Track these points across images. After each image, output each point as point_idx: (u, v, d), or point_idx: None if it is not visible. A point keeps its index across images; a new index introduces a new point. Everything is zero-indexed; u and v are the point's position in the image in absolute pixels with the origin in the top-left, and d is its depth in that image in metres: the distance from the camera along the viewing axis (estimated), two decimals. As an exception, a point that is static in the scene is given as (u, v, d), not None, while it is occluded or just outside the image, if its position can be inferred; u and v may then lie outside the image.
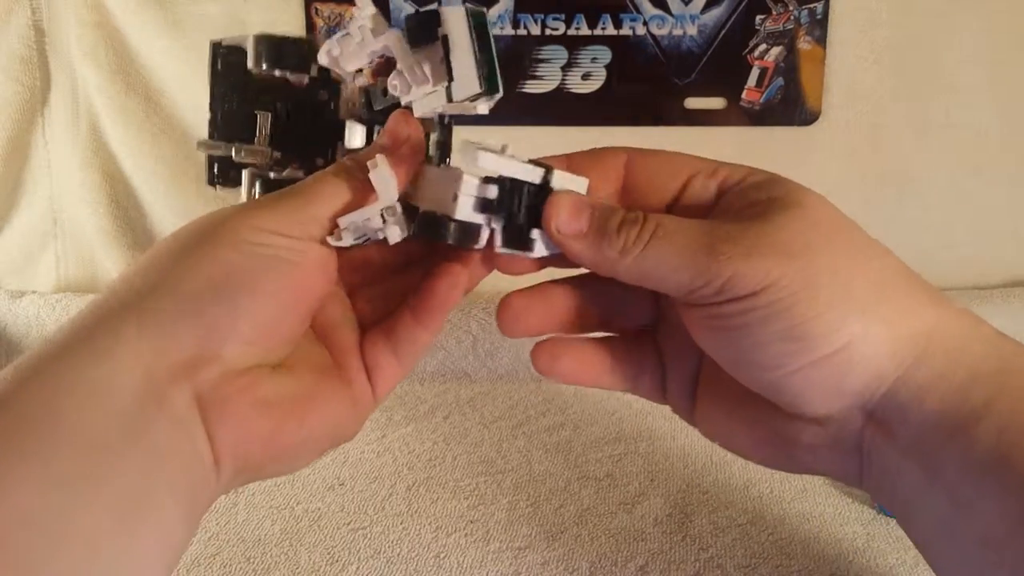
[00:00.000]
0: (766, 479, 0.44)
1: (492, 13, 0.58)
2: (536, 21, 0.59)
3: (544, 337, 0.32)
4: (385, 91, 0.28)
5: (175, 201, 0.62)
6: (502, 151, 0.27)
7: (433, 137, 0.29)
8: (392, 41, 0.26)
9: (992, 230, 0.63)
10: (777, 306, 0.24)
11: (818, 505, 0.42)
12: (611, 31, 0.59)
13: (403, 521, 0.41)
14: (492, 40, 0.26)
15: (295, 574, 0.37)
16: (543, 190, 0.27)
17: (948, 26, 0.59)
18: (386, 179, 0.26)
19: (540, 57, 0.59)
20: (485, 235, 0.27)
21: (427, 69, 0.26)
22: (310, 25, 0.59)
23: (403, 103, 0.28)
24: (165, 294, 0.24)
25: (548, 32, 0.59)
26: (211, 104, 0.38)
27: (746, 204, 0.27)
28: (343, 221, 0.27)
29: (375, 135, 0.36)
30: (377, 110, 0.34)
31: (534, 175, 0.27)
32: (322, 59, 0.27)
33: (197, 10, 0.59)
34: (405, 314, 0.29)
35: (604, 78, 0.60)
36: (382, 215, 0.27)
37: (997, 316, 0.59)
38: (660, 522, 0.41)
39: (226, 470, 0.25)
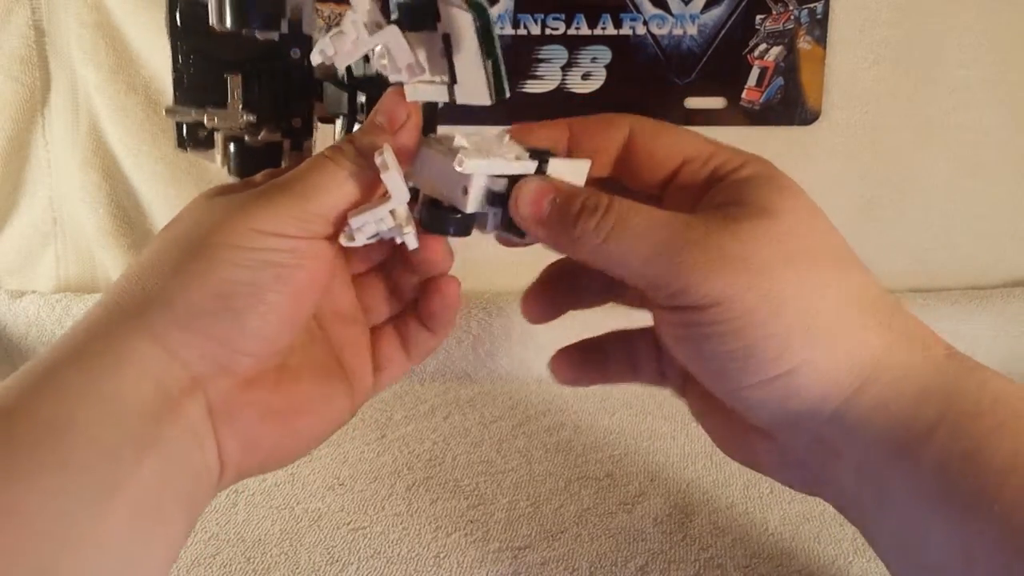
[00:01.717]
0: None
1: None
2: (536, 21, 0.59)
3: (558, 346, 0.33)
4: (367, 58, 0.27)
5: (175, 201, 0.62)
6: (500, 137, 0.27)
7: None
8: (390, 38, 0.25)
9: (992, 230, 0.63)
10: (726, 325, 0.24)
11: (818, 505, 0.42)
12: (611, 31, 0.59)
13: (403, 521, 0.41)
14: (497, 40, 0.25)
15: (295, 574, 0.37)
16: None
17: (948, 26, 0.59)
18: (398, 180, 0.26)
19: (540, 57, 0.59)
20: (490, 223, 0.27)
21: (423, 58, 0.25)
22: (310, 25, 0.59)
23: (391, 80, 0.27)
24: (170, 309, 0.24)
25: (548, 32, 0.59)
26: (174, 65, 0.35)
27: (726, 201, 0.26)
28: (355, 221, 0.26)
29: (356, 100, 0.33)
30: (357, 76, 0.33)
31: (526, 168, 0.27)
32: (315, 58, 0.26)
33: (197, 10, 0.59)
34: (411, 320, 0.30)
35: (604, 78, 0.60)
36: (393, 213, 0.26)
37: (997, 316, 0.60)
38: (660, 522, 0.41)
39: (228, 477, 0.26)
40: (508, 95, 0.26)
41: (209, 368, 0.24)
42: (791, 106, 0.60)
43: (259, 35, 0.33)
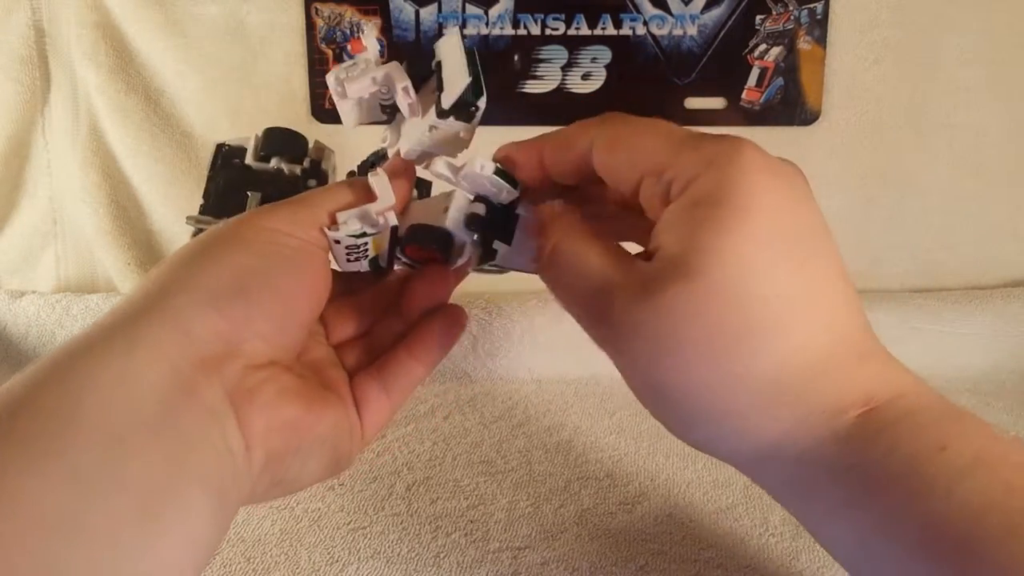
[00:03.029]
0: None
1: (492, 13, 0.58)
2: (536, 21, 0.59)
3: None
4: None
5: (175, 201, 0.62)
6: (480, 168, 0.28)
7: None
8: (392, 69, 0.28)
9: (992, 230, 0.63)
10: (633, 381, 0.26)
11: (818, 505, 0.42)
12: (611, 31, 0.59)
13: (403, 521, 0.41)
14: (478, 62, 0.28)
15: (295, 574, 0.37)
16: (511, 208, 0.29)
17: (948, 26, 0.59)
18: (385, 184, 0.29)
19: (540, 57, 0.59)
20: (469, 251, 0.30)
21: (417, 97, 0.29)
22: (310, 24, 0.59)
23: (390, 154, 0.30)
24: (184, 293, 0.24)
25: (548, 32, 0.59)
26: (205, 193, 0.40)
27: (659, 246, 0.24)
28: (341, 216, 0.28)
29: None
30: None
31: (499, 194, 0.29)
32: (330, 82, 0.29)
33: (197, 10, 0.59)
34: (398, 352, 0.30)
35: (604, 78, 0.60)
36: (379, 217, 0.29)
37: (997, 316, 0.60)
38: (660, 522, 0.41)
39: (257, 460, 0.25)
40: (484, 94, 0.28)
41: (224, 348, 0.24)
42: (791, 106, 0.60)
43: (285, 168, 0.39)
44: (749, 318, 0.22)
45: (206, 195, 0.41)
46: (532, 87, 0.60)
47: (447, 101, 0.27)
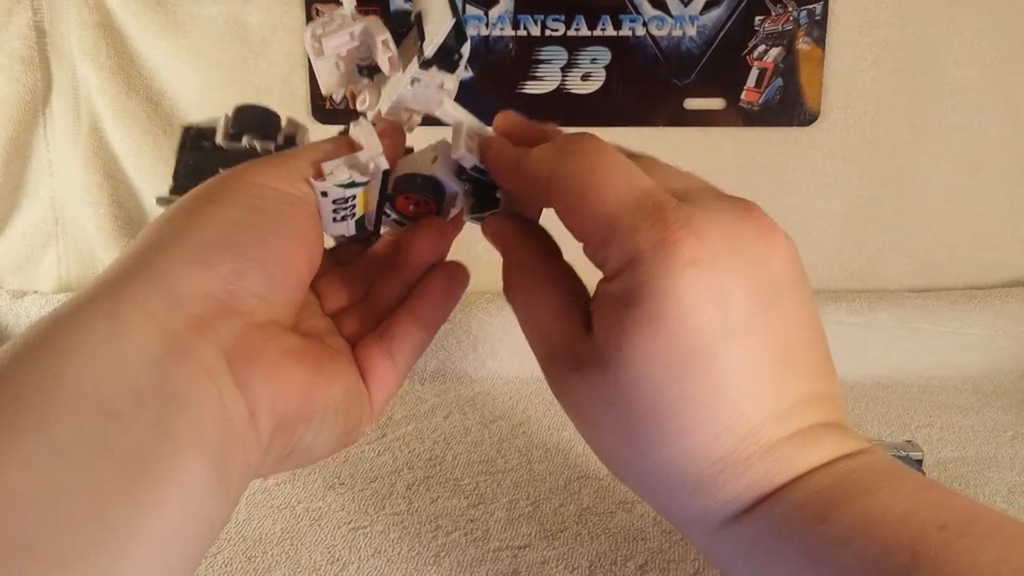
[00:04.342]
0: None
1: (492, 14, 0.58)
2: (536, 22, 0.59)
3: None
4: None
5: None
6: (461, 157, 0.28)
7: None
8: (371, 22, 0.27)
9: (991, 230, 0.63)
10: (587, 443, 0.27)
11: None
12: (611, 32, 0.59)
13: (403, 520, 0.41)
14: (459, 9, 0.27)
15: (295, 573, 0.37)
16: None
17: (948, 26, 0.59)
18: (369, 130, 0.27)
19: (540, 58, 0.59)
20: (461, 202, 0.29)
21: (397, 51, 0.27)
22: (311, 26, 0.59)
23: (370, 116, 0.29)
24: (169, 251, 0.23)
25: (548, 33, 0.59)
26: (175, 174, 0.38)
27: (599, 326, 0.25)
28: (328, 165, 0.27)
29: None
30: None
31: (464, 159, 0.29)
32: (306, 39, 0.28)
33: (198, 11, 0.59)
34: (401, 315, 0.29)
35: (604, 79, 0.60)
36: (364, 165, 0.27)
37: (996, 316, 0.60)
38: (660, 521, 0.41)
39: (264, 427, 0.23)
40: (468, 39, 0.28)
41: (217, 306, 0.23)
42: (790, 107, 0.60)
43: (259, 146, 0.37)
44: (653, 416, 0.23)
45: (176, 176, 0.39)
46: (532, 87, 0.60)
47: (430, 49, 0.26)
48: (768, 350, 0.24)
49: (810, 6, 0.58)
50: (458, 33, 0.27)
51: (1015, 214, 0.63)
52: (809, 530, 0.22)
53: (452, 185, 0.29)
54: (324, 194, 0.27)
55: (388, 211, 0.29)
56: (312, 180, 0.27)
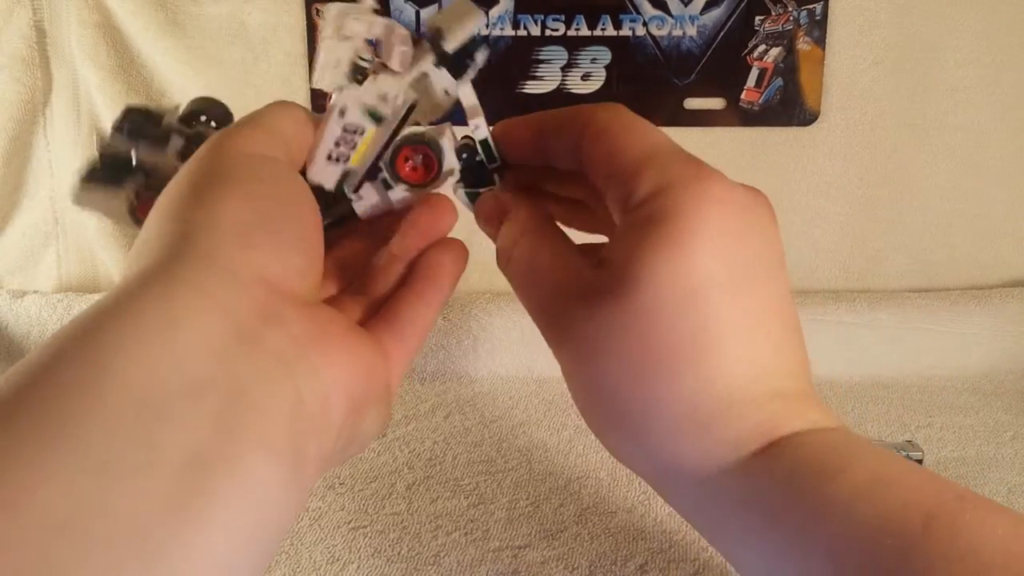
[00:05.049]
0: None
1: (492, 14, 0.58)
2: (536, 22, 0.59)
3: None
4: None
5: (176, 201, 0.62)
6: (475, 129, 0.28)
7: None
8: (392, 22, 0.27)
9: (991, 230, 0.63)
10: (566, 380, 0.26)
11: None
12: (611, 32, 0.59)
13: (403, 520, 0.41)
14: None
15: (295, 573, 0.37)
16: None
17: (948, 26, 0.59)
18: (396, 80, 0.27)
19: (540, 57, 0.59)
20: (456, 177, 0.29)
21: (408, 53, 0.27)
22: (311, 25, 0.59)
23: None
24: (210, 233, 0.21)
25: (548, 33, 0.59)
26: (105, 154, 0.37)
27: (605, 259, 0.24)
28: (343, 97, 0.26)
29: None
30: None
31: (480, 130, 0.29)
32: (330, 15, 0.27)
33: (198, 11, 0.59)
34: (406, 295, 0.28)
35: (604, 79, 0.60)
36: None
37: (996, 316, 0.60)
38: (660, 521, 0.41)
39: (337, 409, 0.22)
40: (488, 49, 0.28)
41: (273, 289, 0.21)
42: (790, 107, 0.60)
43: (146, 158, 0.35)
44: (675, 339, 0.22)
45: (105, 157, 0.36)
46: (532, 87, 0.60)
47: (452, 44, 0.26)
48: (776, 307, 0.24)
49: (810, 6, 0.58)
50: (474, 40, 0.27)
51: (1015, 214, 0.63)
52: (819, 483, 0.21)
53: (452, 158, 0.28)
54: (342, 113, 0.26)
55: (382, 165, 0.28)
56: (335, 92, 0.25)
